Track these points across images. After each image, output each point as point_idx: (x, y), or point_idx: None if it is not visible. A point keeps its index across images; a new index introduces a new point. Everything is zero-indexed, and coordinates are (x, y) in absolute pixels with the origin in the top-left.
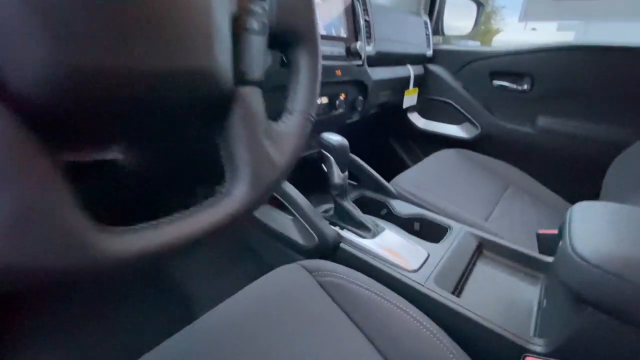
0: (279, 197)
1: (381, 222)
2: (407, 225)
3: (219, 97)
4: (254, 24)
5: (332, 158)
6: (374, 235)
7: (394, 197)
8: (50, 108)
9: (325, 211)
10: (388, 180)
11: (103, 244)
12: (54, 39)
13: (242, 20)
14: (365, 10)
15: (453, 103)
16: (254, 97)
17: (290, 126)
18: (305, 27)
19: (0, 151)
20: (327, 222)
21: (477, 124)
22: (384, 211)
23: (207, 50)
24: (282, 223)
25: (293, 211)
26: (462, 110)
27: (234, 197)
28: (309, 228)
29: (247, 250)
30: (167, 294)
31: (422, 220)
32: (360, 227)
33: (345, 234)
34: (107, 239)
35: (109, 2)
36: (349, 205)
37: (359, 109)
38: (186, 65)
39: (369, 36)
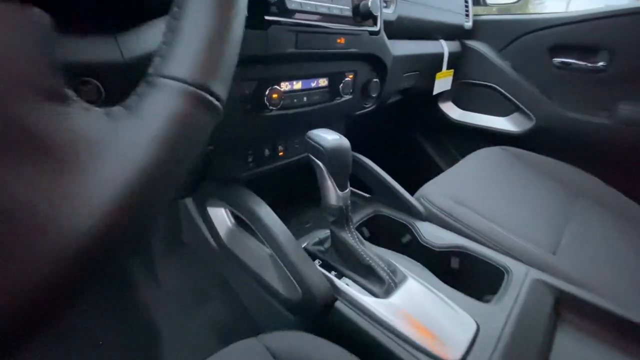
0: (246, 221)
1: (401, 264)
2: (441, 262)
3: None
4: None
5: (324, 168)
6: (388, 291)
7: (421, 217)
8: None
9: (320, 242)
10: (414, 190)
11: None
12: None
13: None
14: None
15: (499, 88)
16: None
17: (141, 116)
18: None
19: None
20: (317, 266)
21: (530, 115)
22: (406, 238)
23: None
24: (258, 258)
25: (268, 246)
26: (511, 97)
27: None
28: (289, 274)
29: (222, 283)
30: (132, 328)
31: (463, 254)
32: (369, 275)
33: (345, 285)
34: None
35: None
36: (352, 239)
37: (374, 95)
38: None
39: None
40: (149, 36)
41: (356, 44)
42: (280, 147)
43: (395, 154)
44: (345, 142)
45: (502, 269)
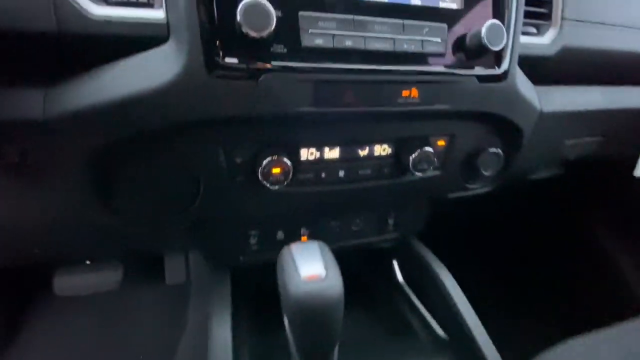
0: None
1: None
2: None
3: None
4: None
5: (289, 332)
6: None
7: None
8: None
9: None
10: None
11: None
12: None
13: None
14: None
15: None
16: None
17: None
18: None
19: None
20: None
21: None
22: None
23: None
24: None
25: None
26: None
27: None
28: None
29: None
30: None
31: None
32: None
33: None
34: None
35: None
36: None
37: (488, 173)
38: None
39: (538, 2)
40: (75, 94)
41: (447, 97)
42: (303, 230)
43: (532, 259)
44: (334, 286)
45: None
